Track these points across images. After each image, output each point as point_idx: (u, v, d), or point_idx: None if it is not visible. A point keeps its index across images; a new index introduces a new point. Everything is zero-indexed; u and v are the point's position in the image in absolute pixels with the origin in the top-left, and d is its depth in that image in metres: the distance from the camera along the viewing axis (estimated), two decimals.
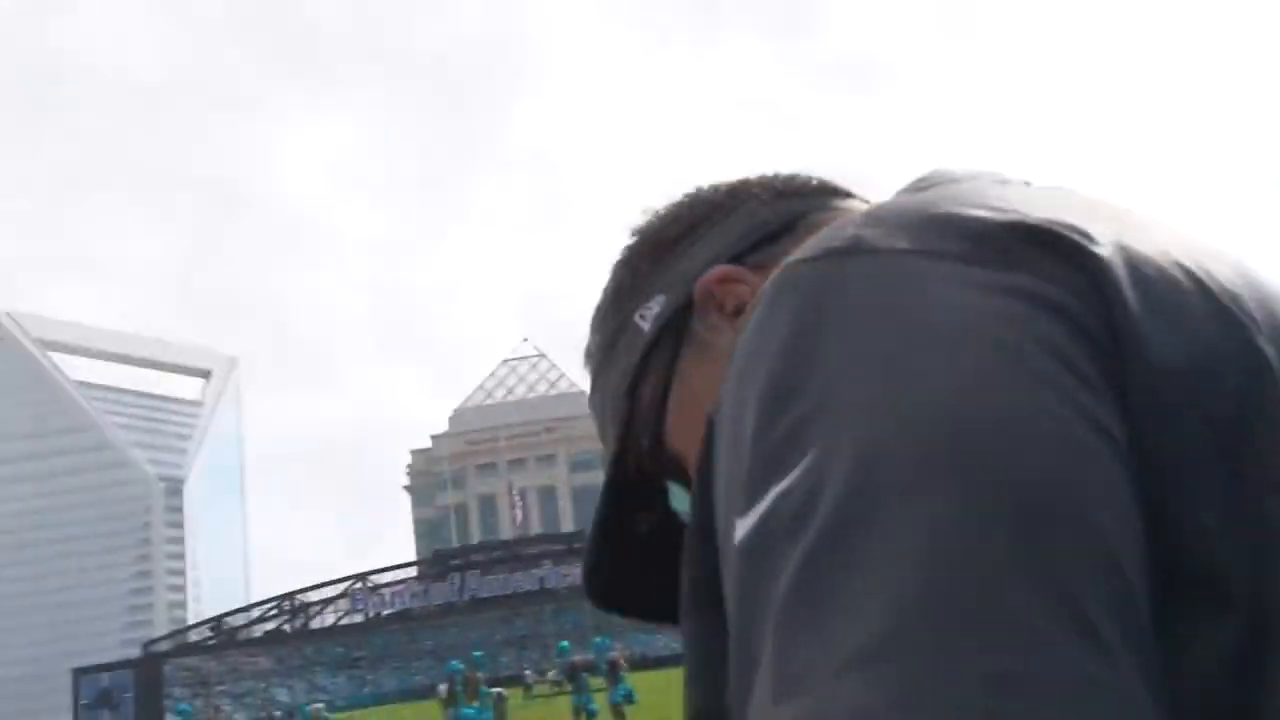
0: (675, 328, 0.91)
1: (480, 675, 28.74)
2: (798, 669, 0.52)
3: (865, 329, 0.59)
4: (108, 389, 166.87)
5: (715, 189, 0.96)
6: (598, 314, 0.98)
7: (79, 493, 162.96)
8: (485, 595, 57.35)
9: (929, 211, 0.65)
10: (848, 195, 0.94)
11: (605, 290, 0.97)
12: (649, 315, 0.93)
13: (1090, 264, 0.60)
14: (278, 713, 50.67)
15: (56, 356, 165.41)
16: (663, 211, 0.96)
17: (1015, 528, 0.51)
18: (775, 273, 0.65)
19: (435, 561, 61.84)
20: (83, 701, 57.48)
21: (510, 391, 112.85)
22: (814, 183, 0.94)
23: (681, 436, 0.90)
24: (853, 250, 0.62)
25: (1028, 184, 0.73)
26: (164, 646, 64.70)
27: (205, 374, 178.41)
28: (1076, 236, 0.61)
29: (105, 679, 59.61)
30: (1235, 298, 0.62)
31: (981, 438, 0.54)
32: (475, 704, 26.73)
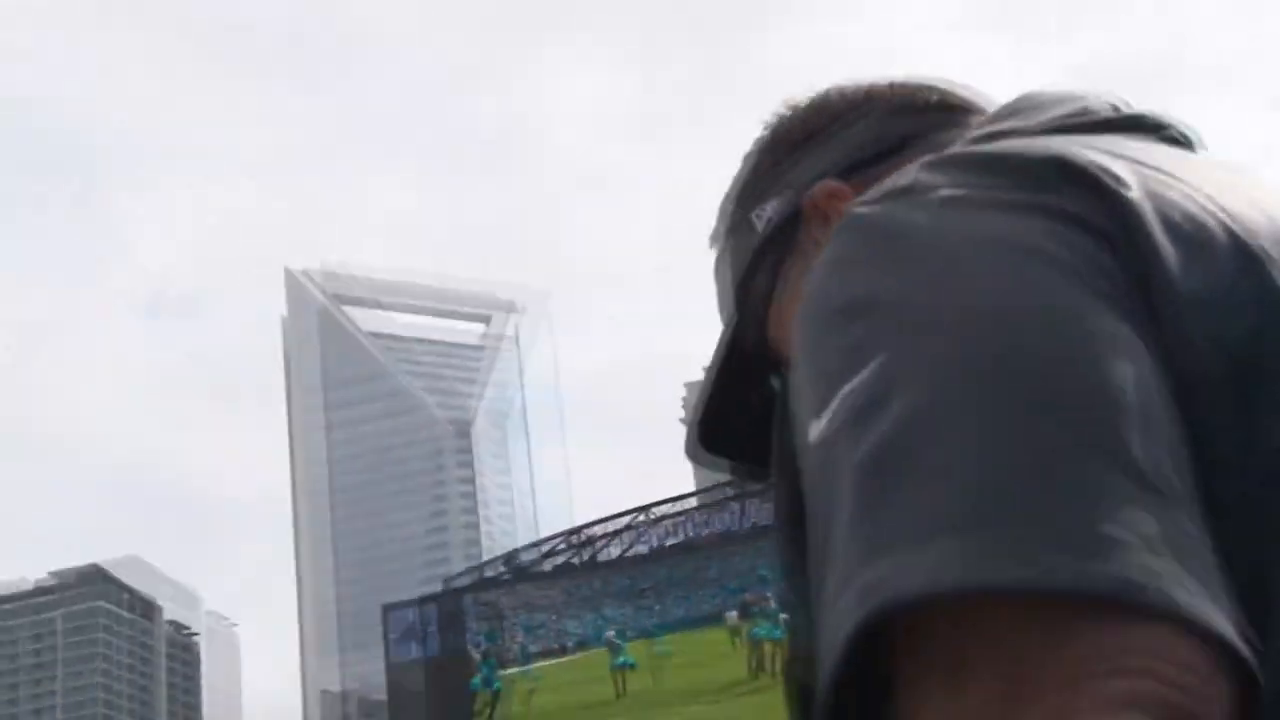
0: (784, 232, 0.98)
1: (769, 598, 29.03)
2: (885, 535, 0.56)
3: (915, 255, 0.66)
4: (396, 338, 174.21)
5: (842, 95, 1.00)
6: (724, 203, 1.04)
7: (375, 438, 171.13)
8: (765, 523, 57.71)
9: (979, 154, 0.73)
10: (965, 111, 0.96)
11: (732, 181, 1.04)
12: (762, 216, 0.99)
13: (1118, 200, 0.66)
14: (569, 642, 52.41)
15: (348, 309, 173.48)
16: (788, 113, 1.01)
17: (1068, 411, 0.57)
18: (841, 218, 0.73)
19: (715, 491, 62.50)
20: (392, 635, 60.75)
21: None
22: (934, 99, 0.97)
23: (782, 338, 0.96)
24: (906, 192, 0.70)
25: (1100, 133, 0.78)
26: (462, 582, 67.53)
27: (486, 319, 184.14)
28: (1106, 176, 0.67)
29: (411, 614, 62.68)
30: (1260, 241, 0.66)
31: (1027, 335, 0.60)
32: (766, 624, 27.17)
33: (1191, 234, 0.66)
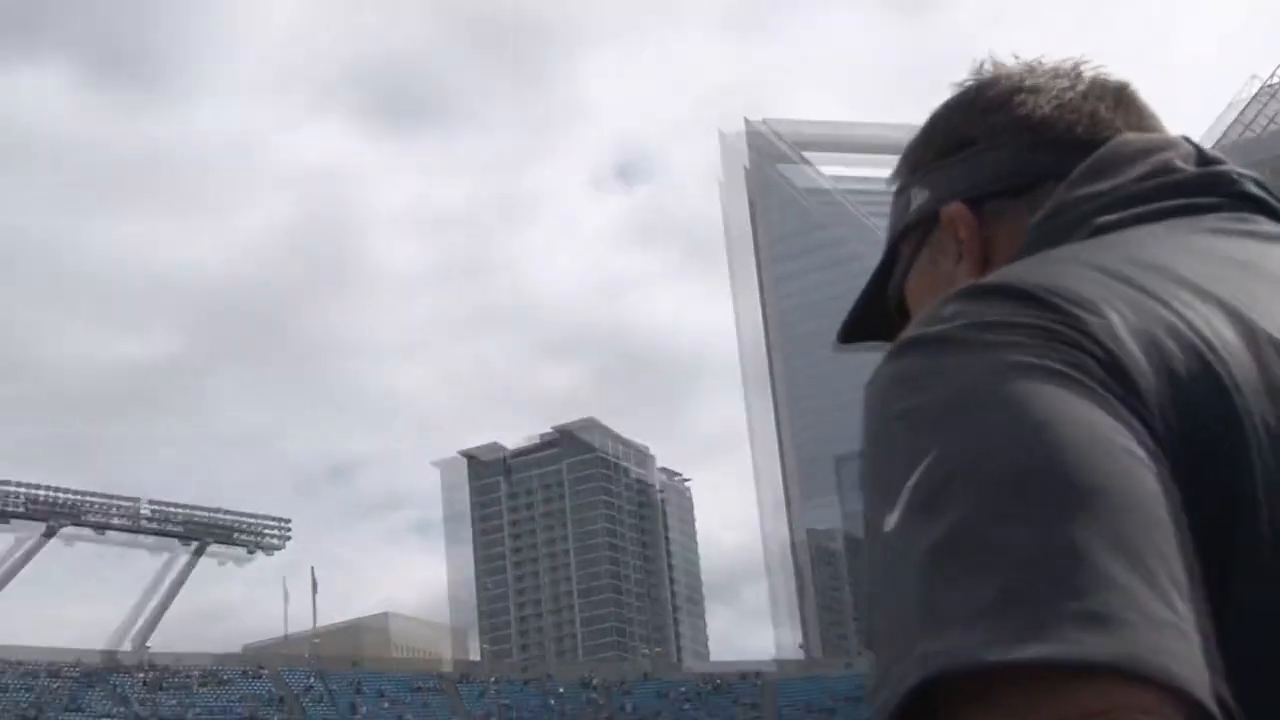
0: (924, 224, 1.17)
1: None
2: (941, 613, 0.72)
3: (950, 383, 0.82)
4: (832, 190, 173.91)
5: (1002, 106, 1.14)
6: (903, 156, 1.20)
7: (818, 290, 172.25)
8: None
9: (995, 286, 0.89)
10: (1093, 147, 1.09)
11: (913, 140, 1.20)
12: (917, 200, 1.17)
13: (1092, 326, 0.83)
14: None
15: (783, 167, 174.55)
16: (972, 90, 1.18)
17: (1089, 515, 0.73)
18: (892, 346, 0.87)
19: None
20: (845, 486, 61.20)
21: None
22: (1079, 130, 1.11)
23: (909, 302, 1.18)
24: (939, 321, 0.87)
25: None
26: None
27: None
28: (1085, 309, 0.84)
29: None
30: (1222, 357, 0.83)
31: (1053, 449, 0.77)
32: None
33: (1159, 353, 0.83)
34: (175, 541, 75.78)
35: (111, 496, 74.70)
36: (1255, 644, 0.78)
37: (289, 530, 79.54)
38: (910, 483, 0.77)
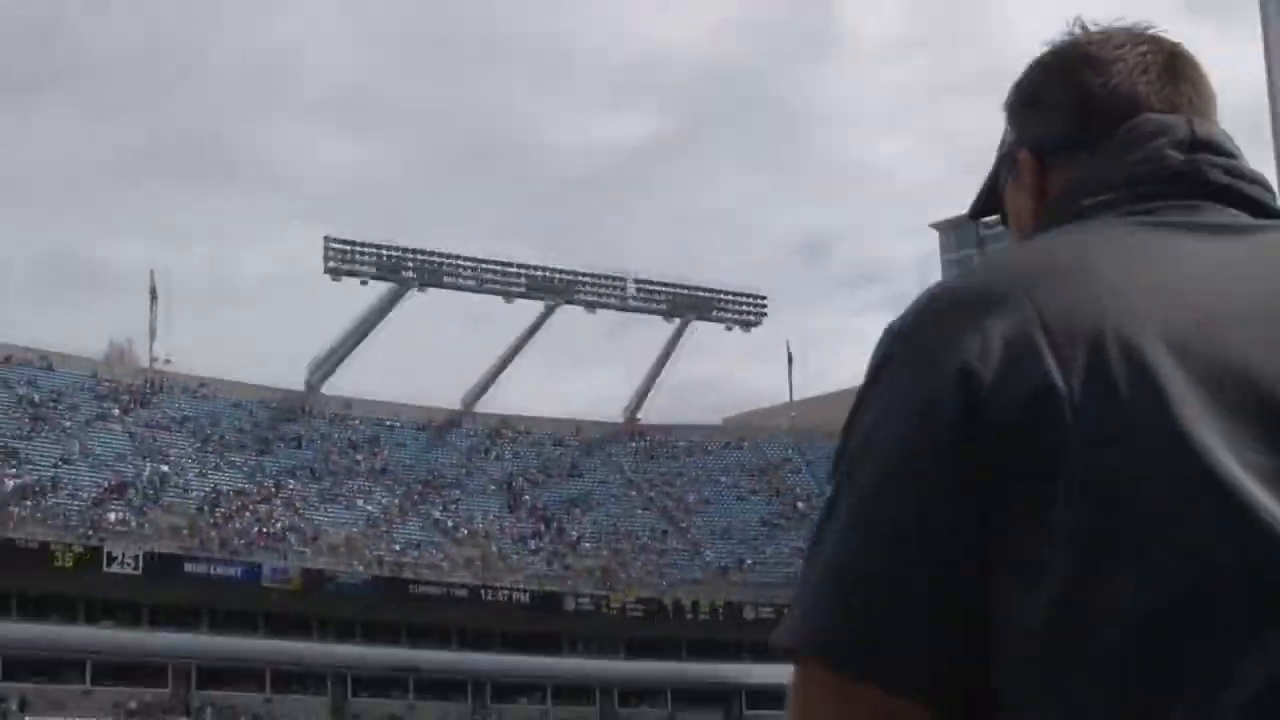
0: (1011, 157, 1.39)
1: None
2: (802, 583, 1.12)
3: (873, 394, 1.15)
4: None
5: (1068, 72, 1.34)
6: (1010, 91, 1.41)
7: None
8: None
9: (949, 292, 1.16)
10: (1145, 109, 1.30)
11: (1014, 83, 1.41)
12: (1007, 137, 1.41)
13: (965, 354, 1.09)
14: None
15: None
16: (1051, 53, 1.38)
17: (865, 493, 1.10)
18: (892, 322, 1.17)
19: None
20: None
21: None
22: (1119, 105, 1.31)
23: (1007, 210, 1.42)
24: (891, 332, 1.17)
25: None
26: None
27: None
28: (962, 331, 1.10)
29: None
30: (1065, 357, 1.07)
31: (869, 444, 1.11)
32: None
33: (1025, 379, 1.07)
34: (659, 318, 79.46)
35: (600, 275, 78.91)
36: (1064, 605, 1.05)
37: (765, 305, 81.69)
38: (845, 473, 1.14)
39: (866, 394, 1.14)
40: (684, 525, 71.89)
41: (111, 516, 54.63)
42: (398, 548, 61.05)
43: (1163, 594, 1.02)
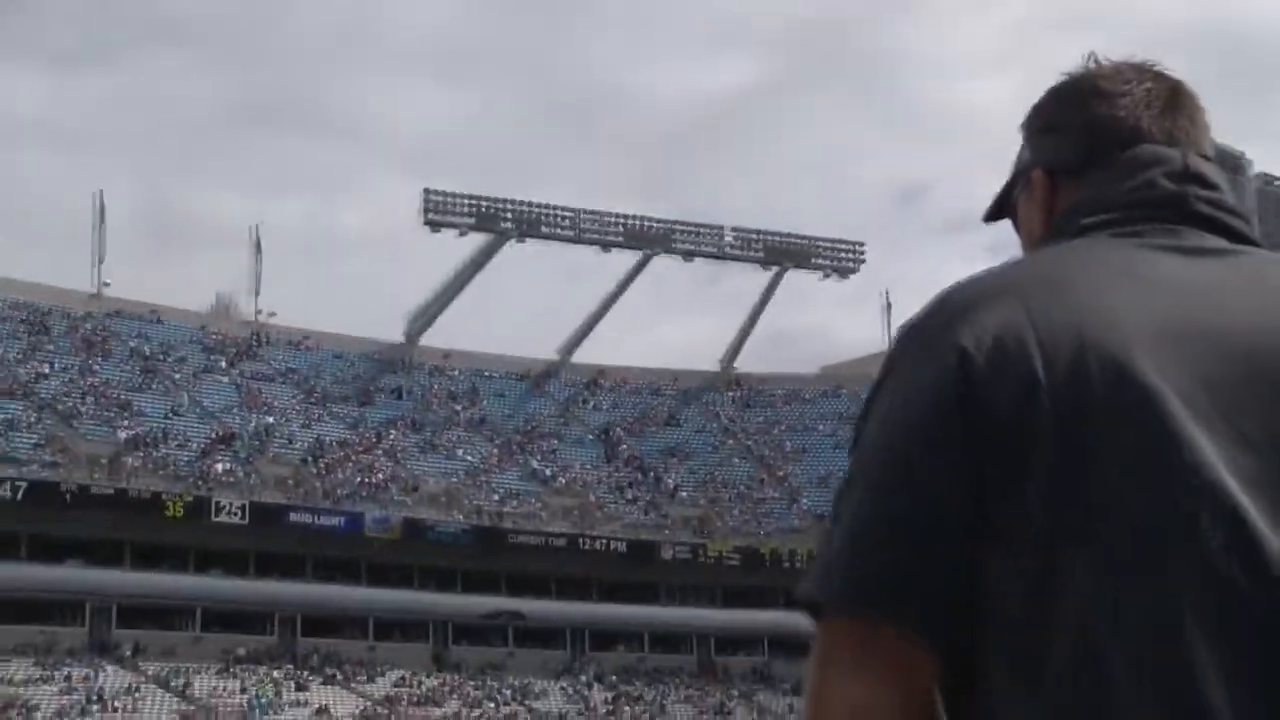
0: (1025, 174, 1.55)
1: None
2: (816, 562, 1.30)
3: (880, 385, 1.34)
4: None
5: (1080, 99, 1.51)
6: (1027, 114, 1.57)
7: None
8: None
9: (943, 300, 1.35)
10: (1140, 140, 1.46)
11: (1031, 107, 1.57)
12: (1023, 156, 1.57)
13: (963, 348, 1.28)
14: None
15: None
16: (1065, 84, 1.54)
17: (876, 469, 1.28)
18: (905, 323, 1.36)
19: None
20: None
21: None
22: (1123, 135, 1.47)
23: (1018, 218, 1.58)
24: (904, 330, 1.37)
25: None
26: None
27: None
28: (963, 327, 1.29)
29: None
30: (1050, 357, 1.26)
31: (880, 429, 1.30)
32: None
33: (1015, 373, 1.26)
34: (755, 266, 79.18)
35: (697, 224, 78.78)
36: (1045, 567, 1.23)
37: (863, 253, 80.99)
38: (864, 447, 1.33)
39: (882, 382, 1.33)
40: (781, 474, 71.96)
41: (219, 467, 56.02)
42: (496, 497, 61.92)
43: (1121, 561, 1.20)
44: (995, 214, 1.61)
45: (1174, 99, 1.50)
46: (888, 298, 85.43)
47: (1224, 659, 1.17)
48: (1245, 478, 1.21)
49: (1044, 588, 1.22)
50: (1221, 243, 1.40)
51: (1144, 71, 1.51)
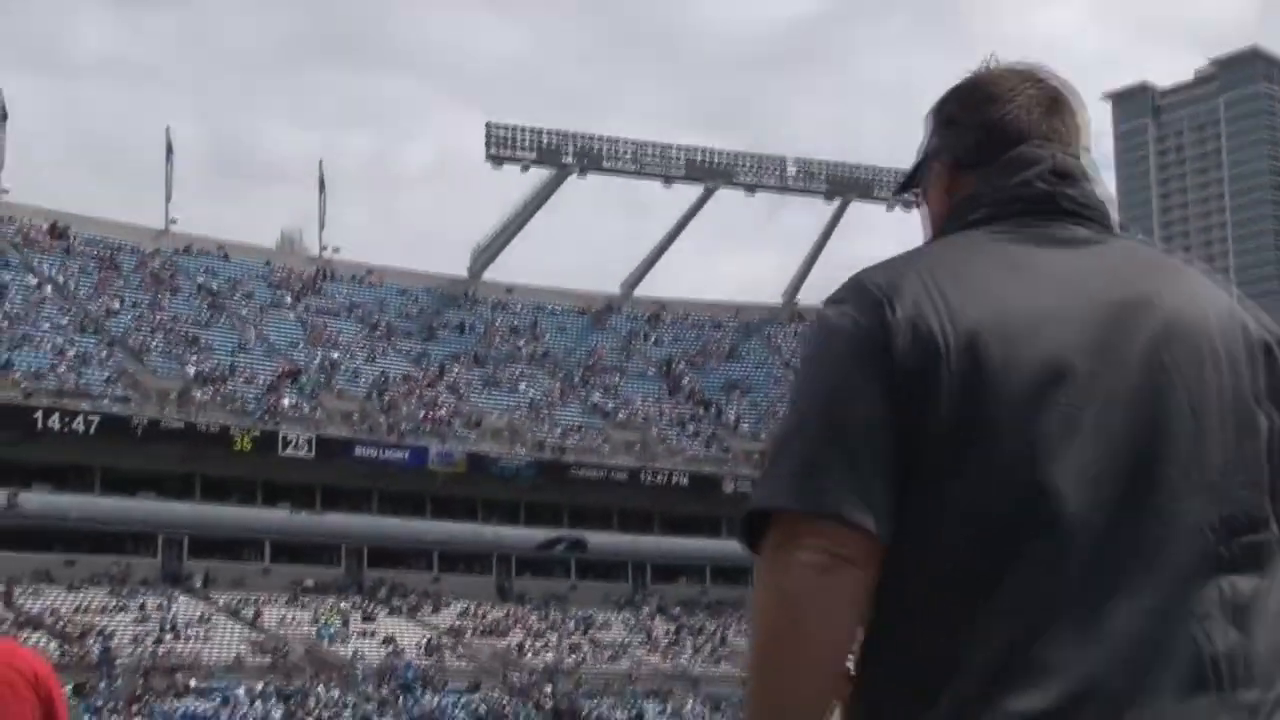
0: (932, 160, 1.79)
1: None
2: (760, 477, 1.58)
3: (807, 347, 1.63)
4: None
5: (982, 99, 1.76)
6: (932, 108, 1.82)
7: None
8: None
9: (859, 278, 1.63)
10: (1029, 139, 1.72)
11: (936, 102, 1.81)
12: (928, 144, 1.80)
13: (882, 307, 1.55)
14: None
15: None
16: (965, 85, 1.79)
17: (809, 413, 1.55)
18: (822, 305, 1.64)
19: None
20: None
21: None
22: (1010, 135, 1.72)
23: (925, 196, 1.83)
24: (821, 314, 1.63)
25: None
26: None
27: None
28: (883, 296, 1.56)
29: None
30: (946, 328, 1.53)
31: (816, 388, 1.56)
32: None
33: (921, 332, 1.53)
34: (819, 198, 78.59)
35: (759, 156, 78.24)
36: (949, 492, 1.52)
37: None
38: (798, 391, 1.60)
39: (815, 331, 1.62)
40: None
41: (285, 402, 56.79)
42: (559, 431, 62.36)
43: (975, 524, 1.50)
44: (904, 188, 1.85)
45: (1054, 104, 1.75)
46: None
47: (1052, 557, 1.48)
48: (1090, 432, 1.50)
49: (931, 515, 1.51)
50: (1087, 233, 1.66)
51: (1031, 76, 1.77)
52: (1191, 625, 1.47)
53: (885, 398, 1.51)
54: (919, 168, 1.81)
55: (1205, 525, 1.50)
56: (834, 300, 1.61)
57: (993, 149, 1.71)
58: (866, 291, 1.58)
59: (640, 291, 76.23)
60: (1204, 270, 1.73)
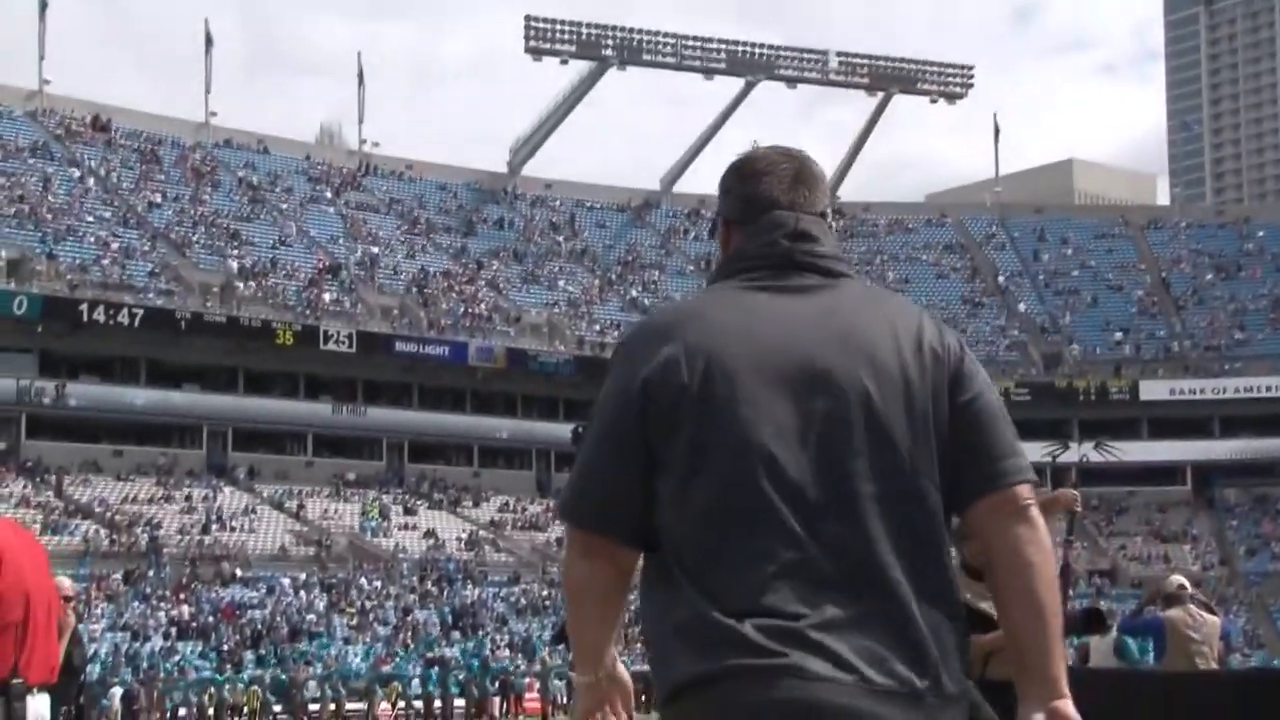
0: (716, 220, 2.33)
1: None
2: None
3: (611, 363, 2.24)
4: None
5: (740, 177, 2.31)
6: (722, 175, 2.33)
7: None
8: None
9: (650, 319, 2.27)
10: (776, 207, 2.26)
11: (726, 170, 2.34)
12: (719, 205, 2.30)
13: (649, 356, 2.14)
14: None
15: None
16: (737, 163, 2.32)
17: (593, 440, 2.19)
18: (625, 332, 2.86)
19: None
20: None
21: None
22: (763, 203, 2.26)
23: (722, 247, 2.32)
24: (619, 344, 2.27)
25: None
26: None
27: None
28: (663, 333, 2.17)
29: None
30: (693, 351, 2.12)
31: (602, 403, 2.18)
32: None
33: (671, 374, 2.09)
34: (861, 92, 77.66)
35: (801, 49, 77.23)
36: (691, 489, 2.07)
37: (971, 77, 78.92)
38: (593, 417, 2.17)
39: (607, 377, 2.18)
40: None
41: (326, 297, 57.16)
42: (597, 328, 62.54)
43: (715, 492, 2.05)
44: (711, 234, 2.63)
45: (798, 176, 2.28)
46: (996, 122, 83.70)
47: (768, 526, 2.03)
48: (782, 431, 2.05)
49: (683, 496, 2.07)
50: (816, 280, 2.19)
51: (783, 155, 2.31)
52: (869, 555, 2.03)
53: (639, 424, 2.10)
54: (714, 223, 2.40)
55: (887, 501, 2.04)
56: (621, 343, 2.21)
57: (752, 213, 2.25)
58: (640, 337, 2.18)
59: (680, 187, 75.86)
60: (900, 299, 2.27)
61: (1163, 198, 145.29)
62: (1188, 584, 10.11)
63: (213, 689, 35.50)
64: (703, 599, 2.01)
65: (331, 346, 54.57)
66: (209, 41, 66.79)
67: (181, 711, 34.56)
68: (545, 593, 47.89)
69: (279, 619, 42.12)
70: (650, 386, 2.07)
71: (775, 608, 1.98)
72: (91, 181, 58.80)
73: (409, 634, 43.02)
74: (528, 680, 37.54)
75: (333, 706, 35.73)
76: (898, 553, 2.02)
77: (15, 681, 4.43)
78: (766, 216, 2.21)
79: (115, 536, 45.11)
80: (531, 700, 36.83)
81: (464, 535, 52.00)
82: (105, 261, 53.18)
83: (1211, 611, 9.92)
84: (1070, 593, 6.52)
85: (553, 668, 37.50)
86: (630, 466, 2.09)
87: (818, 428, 2.04)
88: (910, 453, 2.06)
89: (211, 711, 34.84)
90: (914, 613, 2.00)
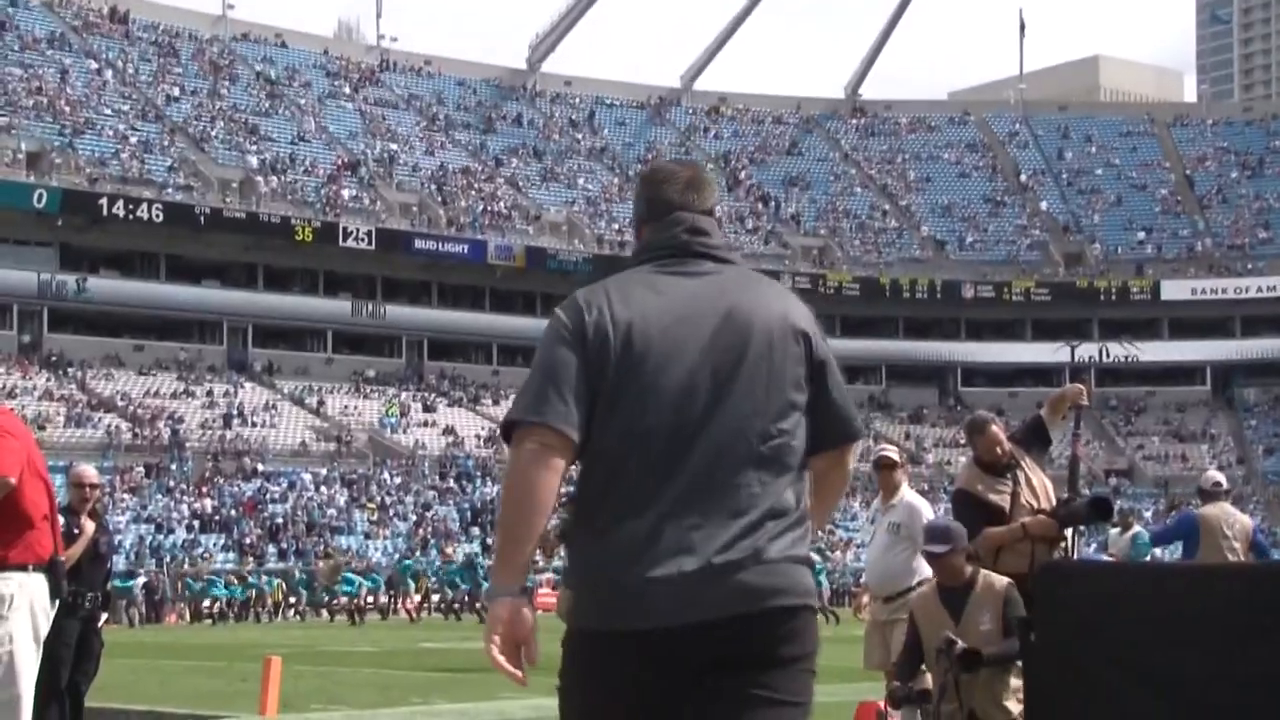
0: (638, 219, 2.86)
1: None
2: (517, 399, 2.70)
3: (548, 327, 2.71)
4: None
5: (651, 183, 2.82)
6: (638, 182, 2.90)
7: None
8: None
9: (580, 294, 2.71)
10: (678, 209, 2.77)
11: (638, 181, 2.90)
12: (636, 209, 2.85)
13: (582, 312, 2.64)
14: None
15: None
16: (646, 173, 2.90)
17: (540, 370, 2.62)
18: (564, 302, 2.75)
19: None
20: None
21: None
22: (668, 203, 2.77)
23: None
24: (556, 312, 2.71)
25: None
26: None
27: None
28: (589, 304, 2.65)
29: None
30: (619, 325, 2.62)
31: (542, 349, 2.66)
32: None
33: (600, 327, 2.60)
34: None
35: None
36: (615, 421, 2.56)
37: None
38: (537, 356, 2.63)
39: (548, 325, 2.63)
40: (903, 203, 71.25)
41: (345, 193, 57.01)
42: (616, 227, 62.32)
43: (625, 431, 2.55)
44: (636, 233, 2.84)
45: (693, 181, 2.80)
46: (1022, 18, 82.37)
47: (656, 452, 2.55)
48: (680, 382, 2.57)
49: (604, 426, 2.55)
50: (711, 266, 2.71)
51: (682, 164, 2.87)
52: (734, 485, 2.57)
53: (580, 361, 2.55)
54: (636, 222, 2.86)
55: (750, 434, 2.59)
56: (561, 307, 2.64)
57: (657, 213, 2.76)
58: (576, 304, 2.62)
59: (700, 85, 75.15)
60: (774, 283, 2.78)
61: (1190, 95, 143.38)
62: (1223, 480, 10.15)
63: (235, 580, 36.03)
64: (608, 506, 2.59)
65: (350, 244, 54.58)
66: None
67: (205, 603, 35.05)
68: (563, 489, 48.17)
69: (299, 513, 42.65)
70: (586, 344, 2.57)
71: (667, 520, 2.57)
72: (109, 74, 58.46)
73: (428, 529, 43.53)
74: (546, 577, 37.95)
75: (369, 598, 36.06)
76: (754, 469, 2.61)
77: (59, 559, 5.37)
78: (669, 215, 2.74)
79: (138, 430, 45.55)
80: (545, 596, 37.29)
81: (483, 432, 52.32)
82: (124, 155, 53.05)
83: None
84: (1079, 484, 6.53)
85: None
86: (579, 385, 2.56)
87: (707, 381, 2.59)
88: (770, 400, 2.63)
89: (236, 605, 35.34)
90: (757, 515, 2.60)
